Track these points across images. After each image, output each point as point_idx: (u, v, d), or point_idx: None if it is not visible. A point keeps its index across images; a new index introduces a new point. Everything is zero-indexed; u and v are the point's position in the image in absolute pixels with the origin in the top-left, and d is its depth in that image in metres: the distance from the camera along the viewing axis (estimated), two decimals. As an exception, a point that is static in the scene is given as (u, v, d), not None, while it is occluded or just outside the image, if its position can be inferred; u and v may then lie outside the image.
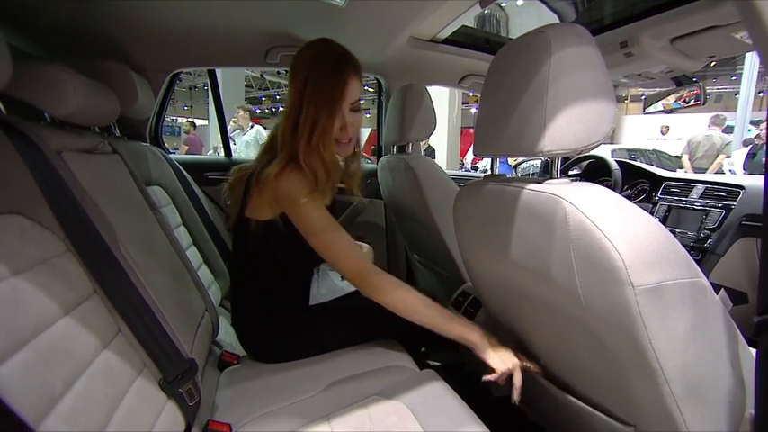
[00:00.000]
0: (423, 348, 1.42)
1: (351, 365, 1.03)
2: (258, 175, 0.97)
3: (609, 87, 0.64)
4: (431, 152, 7.38)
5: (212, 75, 2.04)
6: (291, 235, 0.96)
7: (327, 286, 1.18)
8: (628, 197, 1.85)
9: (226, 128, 2.18)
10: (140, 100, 1.23)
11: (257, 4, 1.23)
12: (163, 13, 1.25)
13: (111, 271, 0.72)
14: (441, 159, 8.34)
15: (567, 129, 0.63)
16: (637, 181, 2.00)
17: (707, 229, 1.60)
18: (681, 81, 1.56)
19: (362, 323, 1.13)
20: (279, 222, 0.98)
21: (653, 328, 0.55)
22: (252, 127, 4.88)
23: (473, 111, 17.44)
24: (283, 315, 1.09)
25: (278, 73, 11.12)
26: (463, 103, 13.11)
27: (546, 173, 2.53)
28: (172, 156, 1.70)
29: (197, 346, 0.93)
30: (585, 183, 0.66)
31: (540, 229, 0.66)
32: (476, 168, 9.35)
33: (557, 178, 0.70)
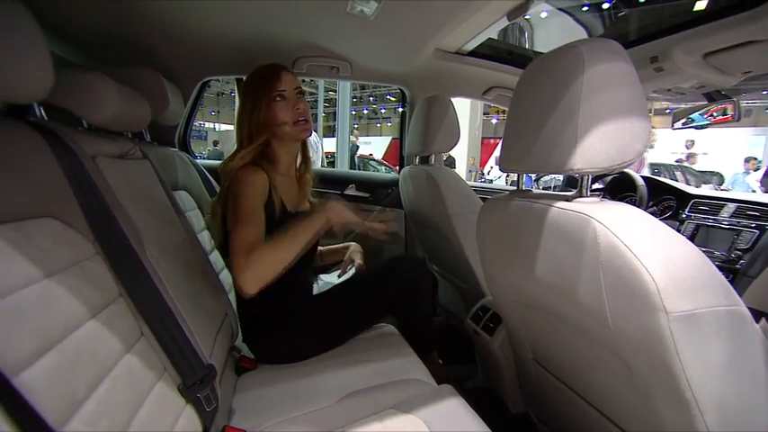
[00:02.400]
0: (439, 360, 1.40)
1: (367, 376, 1.03)
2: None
3: (643, 105, 0.63)
4: (451, 162, 7.38)
5: (240, 83, 2.09)
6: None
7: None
8: (653, 214, 1.80)
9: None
10: (171, 107, 1.27)
11: (287, 16, 1.25)
12: (196, 23, 1.29)
13: (137, 274, 0.73)
14: (461, 169, 8.31)
15: (599, 146, 0.61)
16: (663, 197, 1.94)
17: (738, 250, 1.54)
18: (713, 96, 1.52)
19: (356, 306, 1.20)
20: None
21: (687, 357, 0.53)
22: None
23: (494, 121, 17.36)
24: (284, 313, 1.12)
25: (303, 81, 11.32)
26: (484, 114, 13.05)
27: (569, 186, 2.48)
28: (198, 161, 1.74)
29: (216, 351, 0.94)
30: (616, 202, 0.64)
31: (568, 249, 0.65)
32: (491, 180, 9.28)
33: (586, 196, 0.68)
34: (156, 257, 0.80)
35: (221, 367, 0.97)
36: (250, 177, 1.03)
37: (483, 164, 11.74)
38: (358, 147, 5.75)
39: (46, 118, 0.81)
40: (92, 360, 0.58)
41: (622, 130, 0.61)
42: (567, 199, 0.68)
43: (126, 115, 0.94)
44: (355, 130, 6.16)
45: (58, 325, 0.54)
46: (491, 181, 8.95)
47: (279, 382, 1.03)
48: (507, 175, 9.15)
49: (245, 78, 1.15)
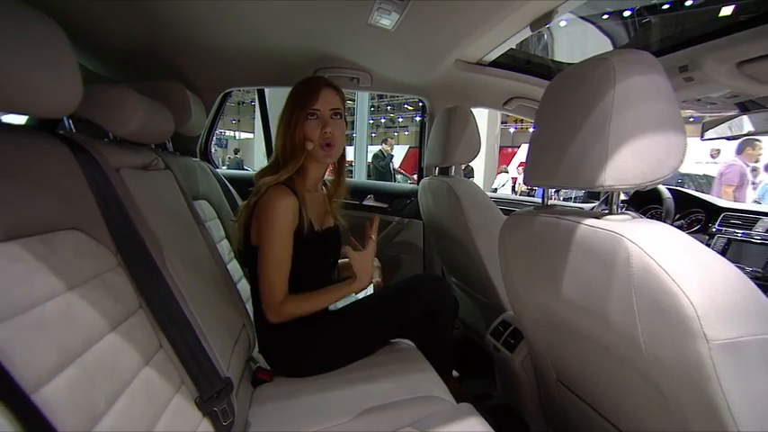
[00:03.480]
0: (456, 374, 1.37)
1: (385, 392, 1.00)
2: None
3: (679, 119, 0.60)
4: (469, 171, 7.31)
5: (261, 93, 2.12)
6: (298, 253, 1.06)
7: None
8: (680, 227, 1.73)
9: (272, 144, 2.24)
10: (194, 117, 1.29)
11: (308, 28, 1.26)
12: (218, 37, 1.31)
13: (157, 285, 0.74)
14: (478, 179, 8.25)
15: (632, 162, 0.58)
16: (690, 210, 1.87)
17: (774, 266, 1.46)
18: (746, 106, 1.46)
19: (376, 324, 1.18)
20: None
21: (730, 388, 0.50)
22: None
23: (512, 130, 17.21)
24: (303, 327, 1.10)
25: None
26: (502, 123, 12.95)
27: (591, 198, 2.41)
28: (219, 170, 1.76)
29: (233, 363, 0.93)
30: (649, 220, 0.61)
31: (598, 268, 0.62)
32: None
33: (616, 213, 0.65)
34: (177, 268, 0.80)
35: (238, 379, 0.96)
36: (282, 205, 1.03)
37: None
38: (392, 156, 5.59)
39: (74, 130, 0.83)
40: (111, 374, 0.58)
41: (656, 145, 0.58)
42: (597, 216, 0.66)
43: (151, 127, 0.96)
44: (390, 139, 6.01)
45: (80, 338, 0.54)
46: (495, 189, 8.87)
47: (295, 396, 1.02)
48: (514, 183, 9.05)
49: (291, 95, 1.12)
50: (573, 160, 0.65)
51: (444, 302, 1.23)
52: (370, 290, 1.28)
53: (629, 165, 0.59)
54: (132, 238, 0.72)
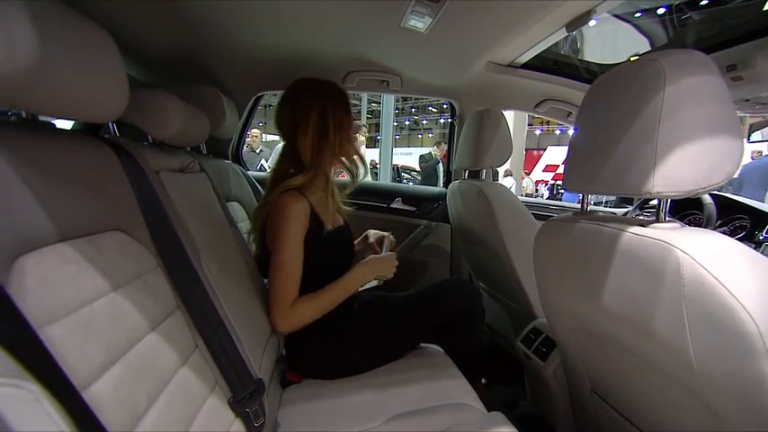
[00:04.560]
0: (483, 380, 1.35)
1: (415, 398, 0.99)
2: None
3: (734, 122, 0.57)
4: (494, 175, 7.18)
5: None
6: (313, 257, 1.06)
7: None
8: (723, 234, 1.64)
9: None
10: (228, 121, 1.31)
11: (340, 32, 1.27)
12: (251, 42, 1.34)
13: (194, 286, 0.75)
14: (502, 181, 8.12)
15: (682, 168, 0.56)
16: (734, 216, 1.76)
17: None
18: (798, 107, 1.38)
19: (404, 327, 1.18)
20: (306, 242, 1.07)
21: None
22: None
23: (537, 132, 16.89)
24: (331, 328, 1.10)
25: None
26: (528, 125, 12.74)
27: (624, 203, 2.32)
28: (249, 173, 1.79)
29: (264, 364, 0.94)
30: (700, 229, 0.58)
31: (643, 279, 0.59)
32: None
33: (664, 221, 0.62)
34: (211, 269, 0.82)
35: (268, 380, 0.97)
36: (293, 211, 1.03)
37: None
38: (439, 161, 5.55)
39: (118, 134, 0.86)
40: (152, 373, 0.59)
41: (709, 150, 0.55)
42: (642, 224, 0.63)
43: (188, 131, 0.98)
44: (442, 144, 5.91)
45: (124, 337, 0.56)
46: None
47: (324, 398, 1.02)
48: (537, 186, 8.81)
49: (327, 101, 1.10)
50: (617, 165, 0.62)
51: (475, 308, 1.21)
52: (386, 250, 1.26)
53: (679, 170, 0.56)
54: (171, 239, 0.74)
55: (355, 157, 1.15)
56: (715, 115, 0.56)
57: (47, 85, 0.49)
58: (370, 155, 8.49)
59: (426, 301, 1.19)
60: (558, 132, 16.33)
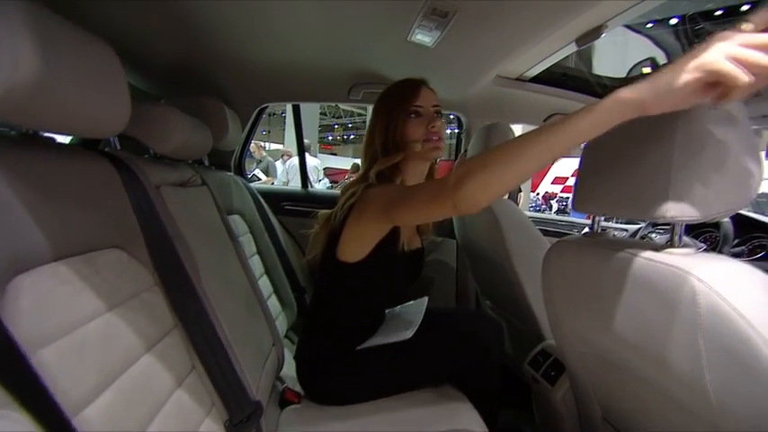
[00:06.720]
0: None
1: (417, 423, 0.96)
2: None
3: (753, 143, 0.54)
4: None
5: (297, 109, 2.10)
6: (380, 274, 1.02)
7: (386, 330, 1.13)
8: (739, 255, 1.59)
9: (305, 159, 2.24)
10: (231, 133, 1.30)
11: (345, 45, 1.26)
12: (257, 53, 1.33)
13: (192, 305, 0.73)
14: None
15: (699, 192, 0.53)
16: (752, 235, 1.70)
17: None
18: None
19: (418, 365, 1.08)
20: (370, 262, 1.00)
21: None
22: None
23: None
24: (342, 355, 1.06)
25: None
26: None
27: (630, 222, 2.27)
28: (252, 185, 1.78)
29: (263, 383, 0.92)
30: (717, 255, 0.56)
31: (657, 307, 0.56)
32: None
33: (678, 246, 0.60)
34: (210, 286, 0.80)
35: (266, 400, 0.94)
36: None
37: (534, 188, 11.33)
38: None
39: (119, 148, 0.85)
40: (145, 396, 0.57)
41: (727, 174, 0.53)
42: (656, 248, 0.60)
43: (191, 144, 0.97)
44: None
45: (118, 359, 0.54)
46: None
47: (323, 422, 0.98)
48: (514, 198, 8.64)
49: (381, 94, 1.08)
50: (630, 187, 0.60)
51: (499, 348, 1.14)
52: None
53: (696, 195, 0.54)
54: (170, 256, 0.72)
55: (418, 143, 1.04)
56: (734, 137, 0.54)
57: (50, 103, 0.48)
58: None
59: (445, 346, 1.09)
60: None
